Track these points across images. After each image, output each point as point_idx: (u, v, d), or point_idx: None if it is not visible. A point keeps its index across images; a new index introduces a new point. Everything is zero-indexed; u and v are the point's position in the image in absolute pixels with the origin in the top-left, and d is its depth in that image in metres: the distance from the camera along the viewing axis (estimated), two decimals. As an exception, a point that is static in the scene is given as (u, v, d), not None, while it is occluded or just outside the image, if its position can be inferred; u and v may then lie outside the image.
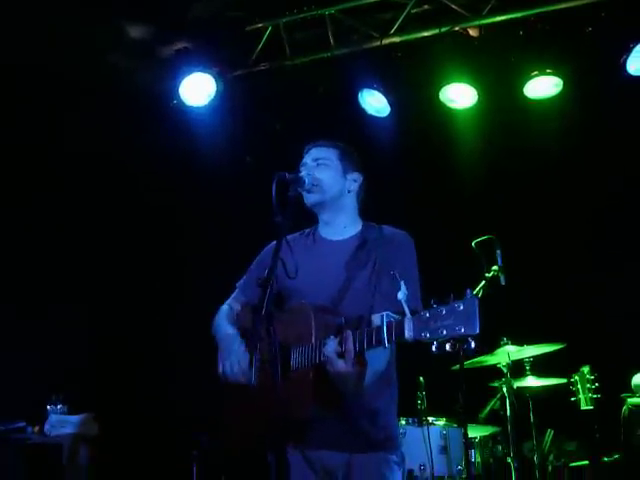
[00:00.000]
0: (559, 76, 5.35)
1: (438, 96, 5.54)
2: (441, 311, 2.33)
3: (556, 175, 5.77)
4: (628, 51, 5.02)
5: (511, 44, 5.33)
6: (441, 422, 4.66)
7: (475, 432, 4.80)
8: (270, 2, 5.47)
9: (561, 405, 5.04)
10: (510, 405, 4.71)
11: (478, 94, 5.51)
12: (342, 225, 3.05)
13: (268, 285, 2.51)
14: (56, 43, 5.35)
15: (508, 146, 5.77)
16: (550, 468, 4.97)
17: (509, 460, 4.66)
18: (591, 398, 4.87)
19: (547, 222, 5.78)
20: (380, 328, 2.48)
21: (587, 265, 5.64)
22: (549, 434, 5.02)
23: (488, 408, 4.96)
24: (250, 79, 5.86)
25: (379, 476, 2.81)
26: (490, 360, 4.90)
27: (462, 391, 4.07)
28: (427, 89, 5.58)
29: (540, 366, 5.02)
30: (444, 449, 4.55)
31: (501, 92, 5.54)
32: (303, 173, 2.97)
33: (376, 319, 2.79)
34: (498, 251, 4.51)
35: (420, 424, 4.58)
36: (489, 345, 4.84)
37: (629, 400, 4.76)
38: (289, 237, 2.95)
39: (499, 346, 4.88)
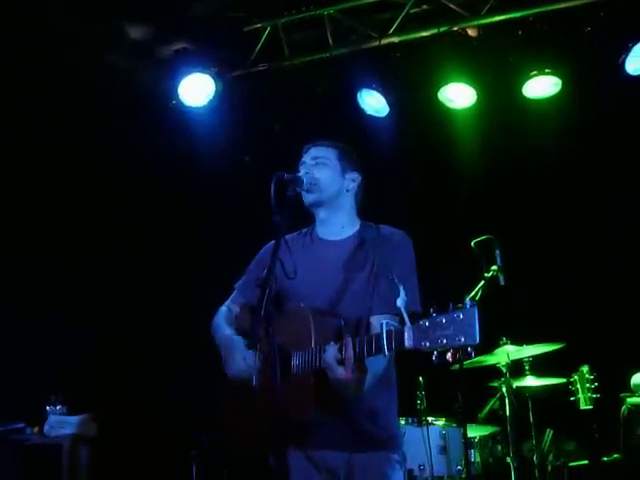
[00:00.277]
0: (558, 76, 5.35)
1: (437, 96, 5.55)
2: (441, 320, 2.34)
3: (555, 175, 5.77)
4: (627, 51, 5.03)
5: (510, 44, 5.33)
6: (440, 422, 4.67)
7: (474, 432, 4.80)
8: (268, 2, 5.47)
9: (560, 405, 5.04)
10: (509, 405, 4.71)
11: (477, 94, 5.52)
12: (340, 225, 3.05)
13: (267, 285, 2.50)
14: (55, 43, 5.34)
15: (507, 146, 5.78)
16: (549, 468, 4.97)
17: (508, 460, 4.65)
18: (590, 398, 4.87)
19: (546, 222, 5.78)
20: (380, 336, 2.48)
21: (586, 265, 5.64)
22: (548, 434, 5.02)
23: (487, 408, 4.96)
24: (249, 79, 5.86)
25: (381, 475, 2.81)
26: (489, 360, 4.89)
27: (461, 391, 4.08)
28: (426, 89, 5.58)
29: (539, 366, 5.02)
30: (443, 449, 4.55)
31: (500, 92, 5.55)
32: (301, 173, 2.97)
33: (374, 321, 2.79)
34: (497, 251, 4.50)
35: (419, 424, 4.58)
36: (488, 345, 4.84)
37: (628, 400, 4.76)
38: (287, 237, 2.94)
39: (498, 346, 4.88)
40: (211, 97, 5.68)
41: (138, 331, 6.01)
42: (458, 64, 5.38)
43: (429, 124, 5.89)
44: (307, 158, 3.08)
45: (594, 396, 4.87)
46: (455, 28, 5.30)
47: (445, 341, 2.32)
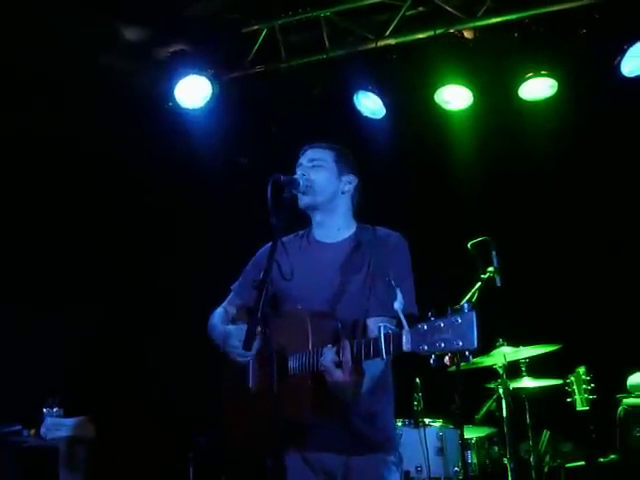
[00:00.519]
0: (554, 77, 5.36)
1: (433, 98, 5.55)
2: (439, 324, 2.34)
3: (551, 176, 5.78)
4: (622, 52, 5.04)
5: (506, 46, 5.34)
6: (437, 423, 4.67)
7: (471, 433, 4.80)
8: (265, 4, 5.47)
9: (557, 406, 5.04)
10: (506, 406, 4.71)
11: (473, 96, 5.53)
12: (336, 227, 3.05)
13: (264, 287, 2.51)
14: (52, 44, 5.34)
15: (503, 147, 5.78)
16: (546, 469, 4.97)
17: (505, 461, 4.66)
18: (587, 399, 4.87)
19: (542, 223, 5.79)
20: (378, 339, 2.47)
21: (582, 266, 5.65)
22: (545, 435, 5.02)
23: (484, 409, 4.97)
24: (246, 81, 5.86)
25: (378, 477, 2.82)
26: (486, 361, 4.90)
27: (458, 392, 4.08)
28: (422, 91, 5.59)
29: (536, 367, 5.03)
30: (440, 450, 4.55)
31: (496, 93, 5.56)
32: (298, 175, 2.97)
33: (371, 324, 2.80)
34: (493, 252, 4.51)
35: (416, 425, 4.58)
36: (485, 347, 4.84)
37: (625, 401, 4.76)
38: (284, 239, 2.94)
39: (495, 347, 4.88)
40: (208, 99, 5.68)
41: (136, 333, 6.00)
42: (454, 66, 5.38)
43: (425, 126, 5.89)
44: (304, 160, 3.08)
45: (591, 397, 4.87)
46: (451, 30, 5.31)
47: (443, 345, 2.32)
